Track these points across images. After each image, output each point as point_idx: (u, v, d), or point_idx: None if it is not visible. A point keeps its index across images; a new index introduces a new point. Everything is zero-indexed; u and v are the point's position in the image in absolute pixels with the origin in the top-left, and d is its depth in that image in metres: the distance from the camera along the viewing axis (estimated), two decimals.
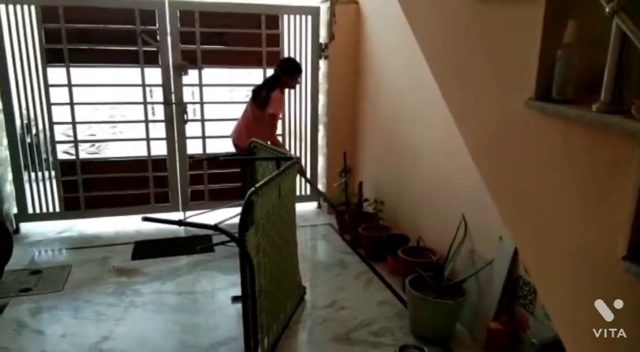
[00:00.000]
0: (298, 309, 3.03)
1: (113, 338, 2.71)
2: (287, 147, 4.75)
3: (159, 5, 4.11)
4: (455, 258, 2.94)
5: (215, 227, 2.21)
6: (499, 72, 1.33)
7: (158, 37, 4.18)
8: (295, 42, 4.57)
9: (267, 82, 3.95)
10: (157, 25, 4.16)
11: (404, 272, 3.24)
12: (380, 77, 4.22)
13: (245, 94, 5.05)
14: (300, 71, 3.99)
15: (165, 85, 4.30)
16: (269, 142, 3.70)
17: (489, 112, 1.37)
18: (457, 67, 1.53)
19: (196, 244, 3.99)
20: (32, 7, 3.85)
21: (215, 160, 4.30)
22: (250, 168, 3.92)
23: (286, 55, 4.57)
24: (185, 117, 4.42)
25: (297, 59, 4.58)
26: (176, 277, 3.50)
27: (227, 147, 4.57)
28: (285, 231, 2.92)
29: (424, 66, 3.29)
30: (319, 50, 4.61)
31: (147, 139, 4.39)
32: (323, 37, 4.57)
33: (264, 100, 3.84)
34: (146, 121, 4.36)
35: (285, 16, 4.48)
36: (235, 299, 3.14)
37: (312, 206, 5.04)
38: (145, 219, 2.24)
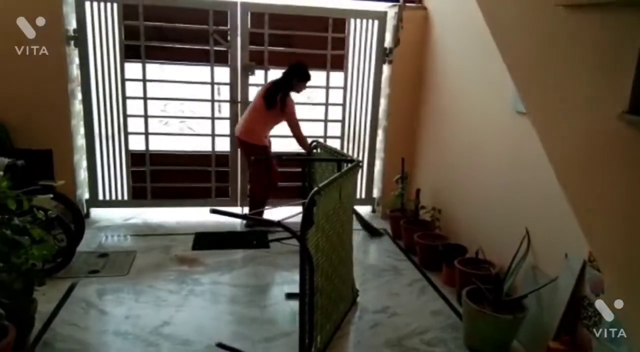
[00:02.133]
0: (350, 311, 3.05)
1: (173, 324, 2.83)
2: (345, 150, 4.78)
3: (232, 6, 4.25)
4: (516, 273, 2.85)
5: (279, 224, 2.26)
6: (589, 83, 1.29)
7: (229, 38, 4.32)
8: (360, 45, 4.60)
9: (281, 85, 4.08)
10: (229, 25, 4.31)
11: (459, 283, 3.19)
12: (444, 84, 4.17)
13: (308, 96, 5.14)
14: (310, 77, 4.15)
15: (232, 84, 4.45)
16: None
17: (577, 126, 1.32)
18: (542, 78, 1.48)
19: (252, 239, 4.10)
20: (115, 5, 4.09)
21: (277, 159, 4.38)
22: (309, 168, 3.99)
23: (350, 58, 4.60)
24: None
25: (361, 63, 4.63)
26: (233, 269, 3.60)
27: (286, 146, 4.67)
28: (342, 233, 2.94)
29: (493, 76, 3.28)
30: (383, 55, 4.60)
31: (212, 135, 4.55)
32: (388, 42, 4.56)
33: (281, 102, 4.03)
34: (212, 118, 4.52)
35: (352, 20, 4.52)
36: (289, 295, 3.19)
37: (366, 209, 5.04)
38: (213, 211, 2.33)
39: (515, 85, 1.69)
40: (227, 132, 4.56)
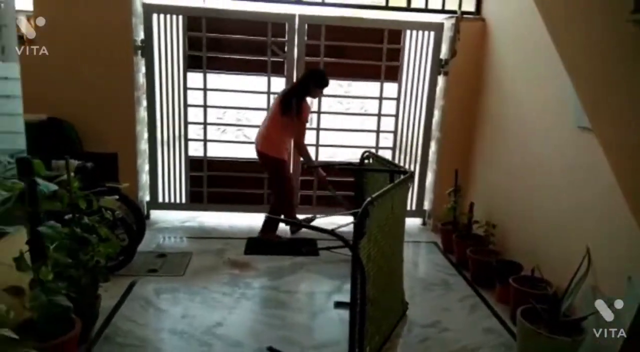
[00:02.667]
0: (399, 324, 3.02)
1: (226, 325, 2.92)
2: (396, 161, 4.76)
3: (290, 19, 4.36)
4: (575, 293, 2.74)
5: (332, 232, 2.29)
6: None
7: (286, 49, 4.43)
8: (415, 57, 4.59)
9: (296, 91, 4.00)
10: (286, 37, 4.42)
11: (514, 301, 3.10)
12: (502, 97, 4.08)
13: (361, 107, 5.16)
14: (328, 84, 4.06)
15: None
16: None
17: None
18: (611, 94, 1.44)
19: (301, 246, 4.15)
20: (180, 17, 4.30)
21: (330, 168, 4.43)
22: (360, 178, 4.01)
23: (405, 69, 4.60)
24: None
25: (416, 74, 4.62)
26: (282, 276, 3.66)
27: (339, 155, 4.71)
28: (394, 244, 2.93)
29: (554, 90, 3.19)
30: (439, 66, 4.57)
31: None
32: (444, 53, 4.53)
33: (296, 108, 3.93)
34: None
35: (408, 31, 4.52)
36: (338, 304, 3.21)
37: (416, 221, 4.99)
38: (269, 217, 2.39)
39: (580, 101, 1.65)
40: None
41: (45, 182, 2.11)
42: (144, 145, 4.50)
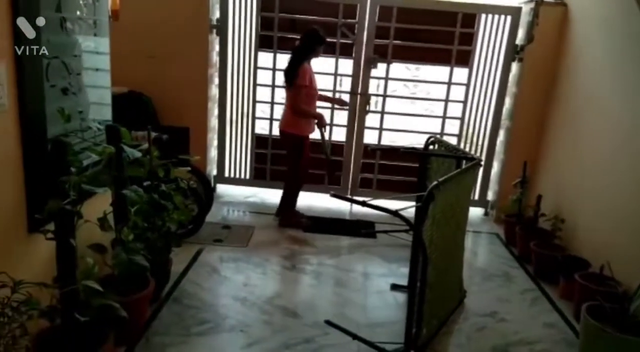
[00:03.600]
0: (456, 311, 3.01)
1: (285, 297, 3.03)
2: (462, 147, 4.66)
3: (362, 0, 4.34)
4: None
5: (396, 213, 2.30)
6: None
7: (356, 31, 4.43)
8: (489, 41, 4.45)
9: (293, 60, 3.87)
10: (357, 19, 4.41)
11: (578, 298, 3.00)
12: (580, 87, 3.88)
13: (427, 92, 5.09)
14: (324, 41, 3.90)
15: (354, 76, 4.56)
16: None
17: None
18: None
19: (359, 228, 4.20)
20: None
21: (395, 151, 4.41)
22: (424, 164, 3.97)
23: (477, 54, 4.48)
24: (368, 108, 4.62)
25: (488, 60, 4.48)
26: (340, 255, 3.73)
27: (400, 141, 4.68)
28: (456, 230, 2.91)
29: (636, 81, 3.00)
30: (514, 52, 4.40)
31: (330, 125, 4.70)
32: (520, 39, 4.35)
33: (293, 75, 3.82)
34: (332, 108, 4.68)
35: (483, 15, 4.38)
36: (394, 286, 3.24)
37: (478, 211, 4.89)
38: (334, 196, 2.44)
39: None
40: (345, 122, 4.69)
41: (131, 149, 2.27)
42: (214, 122, 4.68)
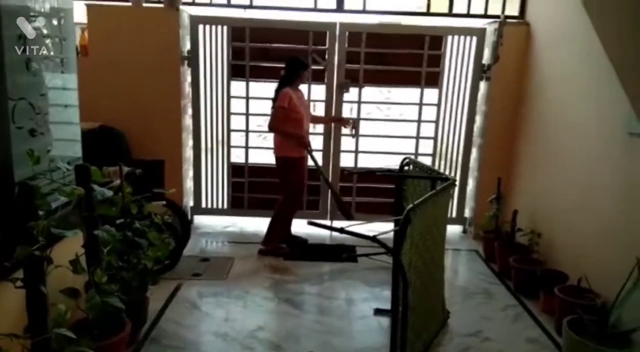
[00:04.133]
0: (440, 333, 3.00)
1: (267, 329, 2.98)
2: (436, 167, 4.73)
3: (331, 27, 4.42)
4: (623, 305, 2.65)
5: (374, 239, 2.30)
6: None
7: (326, 56, 4.49)
8: (457, 62, 4.55)
9: (277, 86, 4.00)
10: (327, 45, 4.48)
11: (559, 312, 3.02)
12: (547, 102, 3.99)
13: (400, 113, 5.16)
14: (306, 66, 4.03)
15: (327, 101, 4.60)
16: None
17: None
18: None
19: (341, 252, 4.18)
20: (225, 28, 4.44)
21: (370, 174, 4.44)
22: (400, 185, 4.00)
23: (446, 75, 4.58)
24: (353, 132, 4.63)
25: (457, 80, 4.58)
26: (322, 281, 3.69)
27: (378, 162, 4.72)
28: (435, 251, 2.92)
29: (602, 94, 3.10)
30: (481, 72, 4.52)
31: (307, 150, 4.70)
32: (486, 58, 4.47)
33: (274, 100, 3.96)
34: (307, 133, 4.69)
35: (450, 37, 4.50)
36: (377, 311, 3.22)
37: (457, 229, 4.93)
38: (311, 224, 2.42)
39: (631, 103, 1.61)
40: (321, 147, 4.71)
41: (101, 188, 2.23)
42: (188, 152, 4.65)
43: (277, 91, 3.96)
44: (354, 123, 4.53)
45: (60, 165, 2.24)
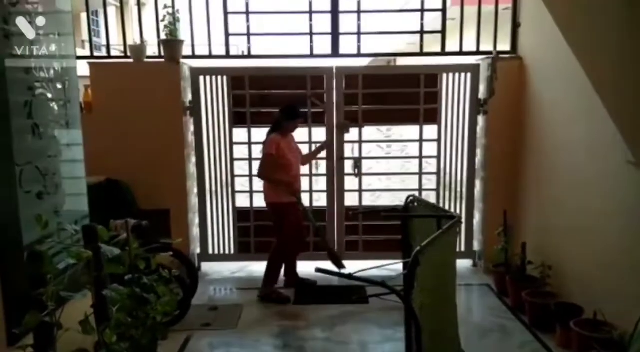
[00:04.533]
0: None
1: None
2: (441, 202, 4.73)
3: (328, 71, 4.54)
4: None
5: (383, 284, 2.29)
6: None
7: (325, 99, 4.58)
8: (454, 98, 4.63)
9: (268, 132, 4.09)
10: (325, 88, 4.57)
11: (577, 346, 2.96)
12: (547, 133, 4.03)
13: (402, 150, 5.20)
14: (300, 116, 4.09)
15: (329, 142, 4.65)
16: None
17: None
18: None
19: (350, 294, 4.13)
20: (224, 77, 4.55)
21: (375, 213, 4.43)
22: (406, 222, 3.99)
23: (444, 111, 4.64)
24: (356, 171, 4.69)
25: (455, 115, 4.63)
26: (334, 326, 3.63)
27: (382, 200, 4.72)
28: (446, 290, 2.88)
29: (600, 124, 3.13)
30: (478, 106, 4.58)
31: (310, 191, 4.74)
32: (482, 93, 4.55)
33: (263, 147, 4.04)
34: (310, 175, 4.73)
35: (445, 74, 4.59)
36: None
37: (466, 263, 4.88)
38: (318, 271, 2.41)
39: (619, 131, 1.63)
40: (325, 188, 4.73)
41: (109, 247, 2.24)
42: (194, 200, 4.68)
43: (266, 137, 4.06)
44: (356, 162, 4.58)
45: (68, 228, 2.26)
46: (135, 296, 2.53)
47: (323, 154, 4.60)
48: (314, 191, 4.77)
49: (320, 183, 4.79)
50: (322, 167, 4.82)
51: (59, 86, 2.55)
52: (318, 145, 4.55)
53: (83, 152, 2.88)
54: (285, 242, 4.11)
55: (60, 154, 2.52)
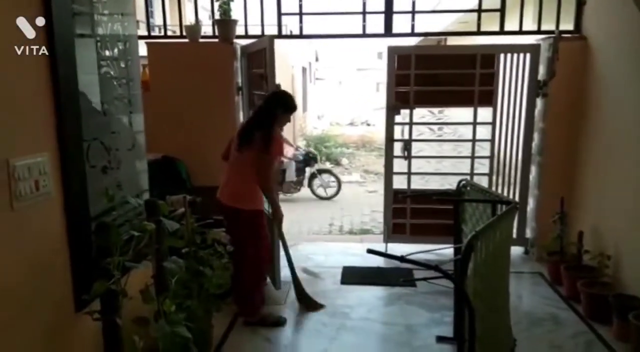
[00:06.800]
0: None
1: None
2: (494, 187, 4.61)
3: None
4: None
5: (436, 268, 2.27)
6: None
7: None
8: (511, 79, 4.46)
9: (261, 121, 3.18)
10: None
11: (636, 339, 2.85)
12: (609, 117, 3.82)
13: (454, 133, 5.09)
14: (296, 107, 3.33)
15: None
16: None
17: None
18: None
19: (397, 276, 4.12)
20: None
21: (423, 197, 4.38)
22: (458, 208, 3.92)
23: (500, 93, 4.48)
24: (406, 154, 4.63)
25: (512, 97, 4.47)
26: (380, 307, 3.65)
27: (431, 183, 4.64)
28: (499, 277, 2.83)
29: None
30: (537, 88, 4.39)
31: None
32: (542, 74, 4.35)
33: (264, 140, 3.09)
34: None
35: (502, 55, 4.42)
36: (440, 339, 3.14)
37: (518, 250, 4.75)
38: (370, 251, 2.41)
39: None
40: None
41: (169, 221, 2.32)
42: None
43: (262, 131, 3.12)
44: (406, 144, 4.52)
45: (131, 200, 2.35)
46: (192, 268, 2.64)
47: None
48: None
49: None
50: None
51: (122, 65, 2.63)
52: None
53: (144, 129, 2.97)
54: (260, 256, 3.30)
55: (123, 131, 2.61)
